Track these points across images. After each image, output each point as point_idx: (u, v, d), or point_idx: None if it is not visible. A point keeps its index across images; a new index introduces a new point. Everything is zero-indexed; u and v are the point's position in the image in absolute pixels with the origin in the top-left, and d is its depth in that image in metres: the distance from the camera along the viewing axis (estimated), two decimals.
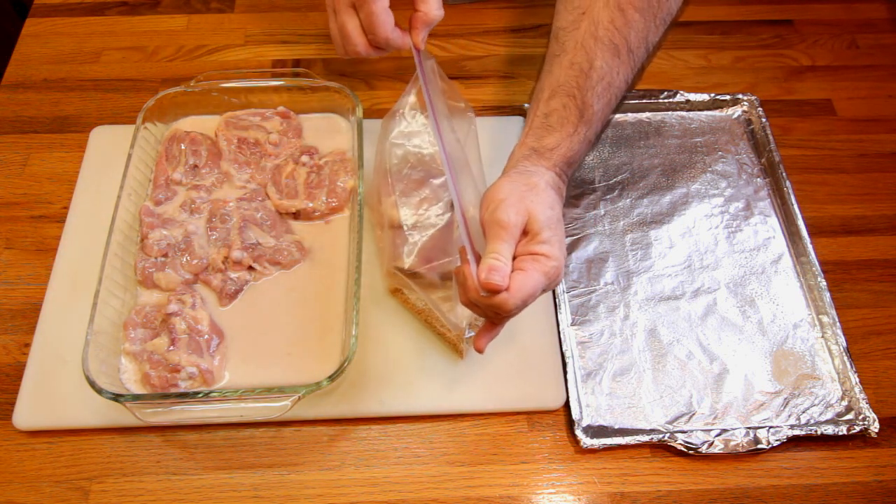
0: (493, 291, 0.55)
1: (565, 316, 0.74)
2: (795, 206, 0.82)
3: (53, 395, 0.68)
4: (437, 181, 0.74)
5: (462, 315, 0.68)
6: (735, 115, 0.92)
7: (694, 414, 0.70)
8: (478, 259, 0.57)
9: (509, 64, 0.97)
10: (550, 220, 0.58)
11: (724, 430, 0.69)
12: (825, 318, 0.75)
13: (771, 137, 0.88)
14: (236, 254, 0.74)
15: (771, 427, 0.69)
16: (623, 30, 0.66)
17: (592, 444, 0.67)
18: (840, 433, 0.69)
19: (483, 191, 0.62)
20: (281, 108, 0.85)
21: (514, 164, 0.64)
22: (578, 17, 0.67)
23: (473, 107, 0.90)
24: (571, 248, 0.80)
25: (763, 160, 0.88)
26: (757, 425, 0.69)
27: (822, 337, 0.75)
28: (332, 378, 0.63)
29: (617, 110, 0.69)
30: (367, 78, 0.94)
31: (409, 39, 0.64)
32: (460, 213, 0.59)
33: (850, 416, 0.70)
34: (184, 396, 0.65)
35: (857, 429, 0.69)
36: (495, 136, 0.87)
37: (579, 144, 0.65)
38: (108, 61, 0.95)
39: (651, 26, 0.69)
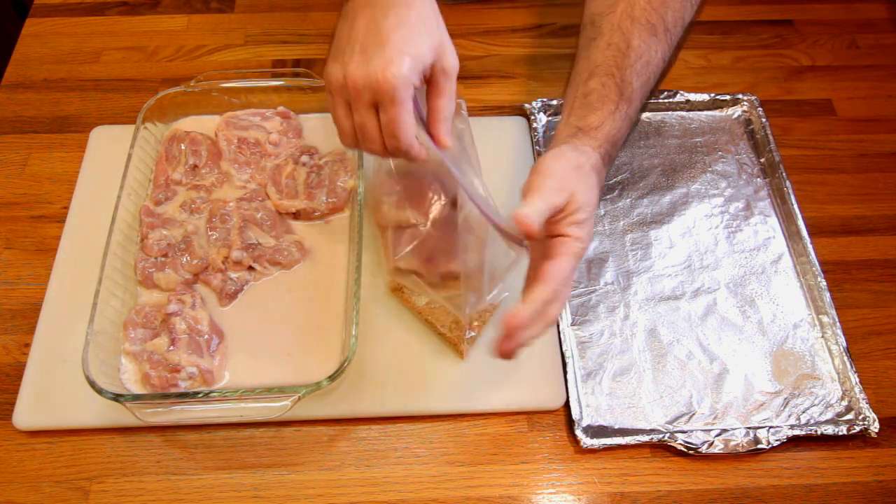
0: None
1: (565, 316, 0.74)
2: (795, 206, 0.82)
3: (53, 395, 0.68)
4: (437, 180, 0.74)
5: (468, 307, 0.67)
6: (735, 115, 0.92)
7: (694, 414, 0.70)
8: (500, 229, 0.59)
9: (509, 64, 0.97)
10: (588, 202, 0.59)
11: (724, 430, 0.68)
12: (825, 318, 0.75)
13: (771, 137, 0.88)
14: (236, 254, 0.74)
15: (771, 427, 0.69)
16: (660, 9, 0.67)
17: (592, 444, 0.67)
18: (840, 433, 0.69)
19: (481, 177, 0.64)
20: (281, 108, 0.85)
21: (560, 141, 0.64)
22: (614, 1, 0.68)
23: (473, 106, 0.91)
24: None
25: (763, 160, 0.88)
26: (757, 425, 0.69)
27: (822, 337, 0.75)
28: (332, 378, 0.63)
29: (656, 89, 0.70)
30: None
31: (427, 151, 0.60)
32: (469, 195, 0.60)
33: (850, 416, 0.70)
34: (184, 396, 0.65)
35: (857, 429, 0.69)
36: (495, 136, 0.87)
37: (621, 122, 0.65)
38: (108, 61, 0.95)
39: (687, 5, 0.70)
